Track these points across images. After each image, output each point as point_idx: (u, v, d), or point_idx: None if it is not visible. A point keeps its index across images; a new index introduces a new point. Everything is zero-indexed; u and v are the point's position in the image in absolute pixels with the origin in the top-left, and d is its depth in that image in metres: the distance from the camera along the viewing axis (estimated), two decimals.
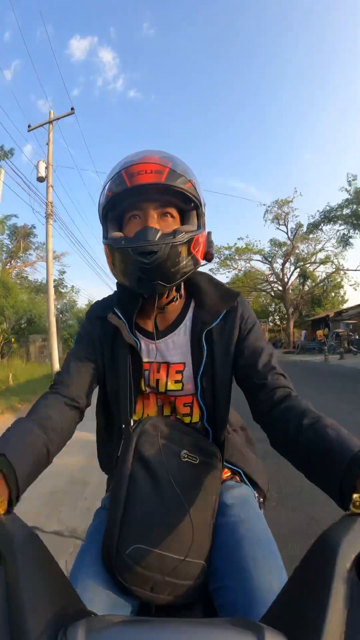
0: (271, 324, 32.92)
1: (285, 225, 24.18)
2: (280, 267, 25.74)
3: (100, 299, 0.80)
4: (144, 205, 0.64)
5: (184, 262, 0.64)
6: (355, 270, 19.33)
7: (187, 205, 0.67)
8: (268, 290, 27.75)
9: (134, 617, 0.48)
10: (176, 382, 0.71)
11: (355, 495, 0.34)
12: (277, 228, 24.48)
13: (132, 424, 0.65)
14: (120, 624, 0.29)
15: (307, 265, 25.02)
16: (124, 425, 0.66)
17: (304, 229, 22.29)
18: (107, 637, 0.27)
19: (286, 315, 26.47)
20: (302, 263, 24.94)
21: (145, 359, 0.71)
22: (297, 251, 24.39)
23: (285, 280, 25.68)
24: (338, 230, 18.89)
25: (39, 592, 0.30)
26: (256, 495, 0.74)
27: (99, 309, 0.76)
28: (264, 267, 27.10)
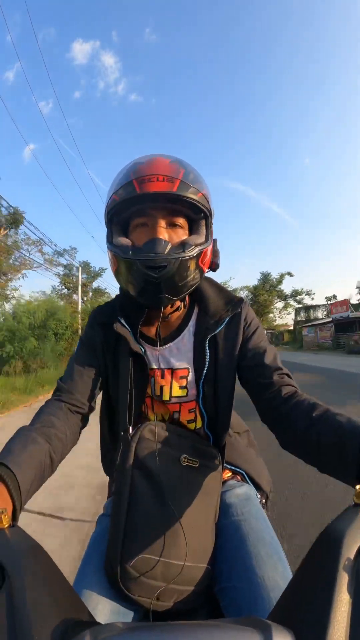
0: None
1: None
2: None
3: (102, 304, 0.78)
4: (152, 213, 0.62)
5: (192, 276, 0.63)
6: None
7: (197, 215, 0.65)
8: None
9: (140, 623, 0.47)
10: (181, 387, 0.70)
11: (358, 487, 0.34)
12: None
13: (130, 431, 0.63)
14: (126, 631, 0.28)
15: None
16: (122, 432, 0.64)
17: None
18: None
19: None
20: None
21: (149, 366, 0.69)
22: None
23: None
24: None
25: (44, 604, 0.30)
26: (258, 495, 0.73)
27: (101, 315, 0.73)
28: None
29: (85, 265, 22.49)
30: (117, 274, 0.66)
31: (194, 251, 0.61)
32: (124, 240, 0.63)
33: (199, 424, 0.72)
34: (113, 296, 0.80)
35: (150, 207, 0.62)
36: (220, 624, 0.30)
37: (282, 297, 38.50)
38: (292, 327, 40.98)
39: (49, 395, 0.71)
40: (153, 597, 0.54)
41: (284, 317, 41.99)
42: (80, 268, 17.38)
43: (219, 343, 0.68)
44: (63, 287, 20.81)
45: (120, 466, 0.60)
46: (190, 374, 0.70)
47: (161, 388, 0.70)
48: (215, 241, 0.69)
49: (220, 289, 0.75)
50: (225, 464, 0.73)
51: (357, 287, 36.18)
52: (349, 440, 0.45)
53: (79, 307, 14.68)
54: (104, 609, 0.52)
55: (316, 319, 35.56)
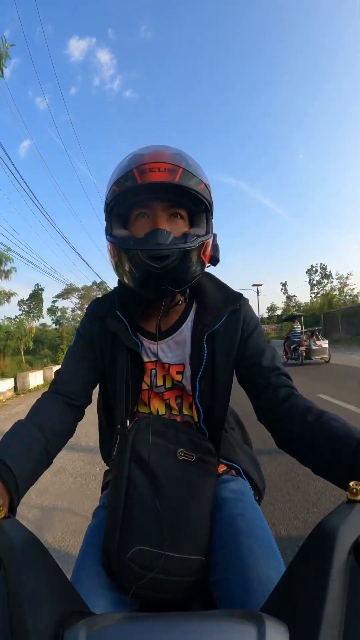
0: None
1: None
2: None
3: (100, 296, 0.78)
4: (153, 204, 0.61)
5: (194, 268, 0.62)
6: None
7: (197, 208, 0.64)
8: None
9: (134, 613, 0.46)
10: (177, 382, 0.70)
11: (352, 483, 0.34)
12: None
13: (128, 424, 0.63)
14: (120, 621, 0.29)
15: None
16: (119, 426, 0.65)
17: None
18: (108, 635, 0.27)
19: None
20: None
21: (146, 359, 0.69)
22: None
23: None
24: None
25: (39, 595, 0.30)
26: (252, 490, 0.74)
27: (99, 308, 0.73)
28: None
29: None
30: (116, 267, 0.65)
31: (197, 242, 0.60)
32: (124, 232, 0.62)
33: (195, 419, 0.72)
34: None
35: (151, 198, 0.61)
36: (214, 615, 0.31)
37: None
38: None
39: None
40: (148, 588, 0.54)
41: None
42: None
43: (217, 340, 0.68)
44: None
45: (117, 459, 0.61)
46: (186, 369, 0.69)
47: (164, 377, 0.70)
48: (215, 236, 0.69)
49: (219, 284, 0.74)
50: (220, 459, 0.74)
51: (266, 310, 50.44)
52: (342, 446, 0.47)
53: None
54: (100, 600, 0.53)
55: None
